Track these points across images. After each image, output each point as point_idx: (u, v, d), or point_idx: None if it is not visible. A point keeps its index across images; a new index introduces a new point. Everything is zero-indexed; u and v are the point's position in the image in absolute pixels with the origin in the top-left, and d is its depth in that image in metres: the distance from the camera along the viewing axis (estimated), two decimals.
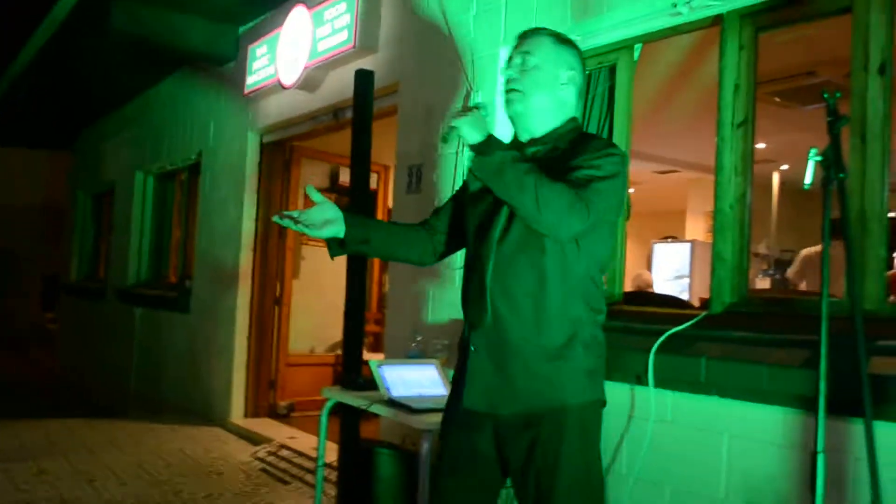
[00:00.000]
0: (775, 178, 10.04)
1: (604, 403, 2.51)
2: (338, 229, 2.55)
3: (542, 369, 2.38)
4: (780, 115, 7.24)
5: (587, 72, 4.17)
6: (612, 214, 2.46)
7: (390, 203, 7.05)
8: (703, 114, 4.19)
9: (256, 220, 7.60)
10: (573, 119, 2.59)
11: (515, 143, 2.60)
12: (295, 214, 2.48)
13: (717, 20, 3.60)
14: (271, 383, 7.67)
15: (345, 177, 8.58)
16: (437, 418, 2.68)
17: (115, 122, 11.59)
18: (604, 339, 2.51)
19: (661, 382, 3.38)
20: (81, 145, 13.22)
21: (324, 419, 4.14)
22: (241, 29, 7.84)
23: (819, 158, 2.36)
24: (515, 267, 2.42)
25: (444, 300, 4.73)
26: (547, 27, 2.65)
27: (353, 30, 5.77)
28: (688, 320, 3.41)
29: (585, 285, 2.43)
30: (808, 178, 2.41)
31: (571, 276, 2.40)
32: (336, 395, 4.04)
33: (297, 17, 6.54)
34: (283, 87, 6.69)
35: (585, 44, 4.13)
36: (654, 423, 3.42)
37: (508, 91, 2.52)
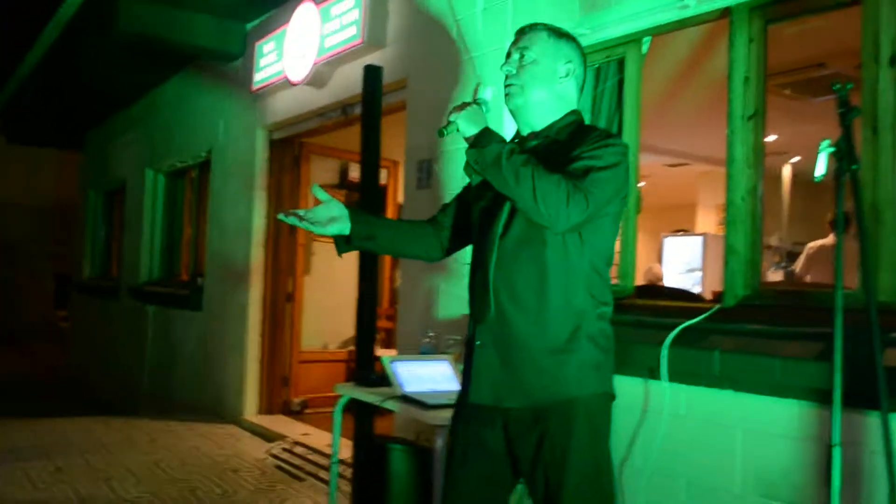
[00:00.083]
0: (786, 170, 10.00)
1: (612, 397, 2.50)
2: (343, 226, 2.58)
3: (547, 363, 2.39)
4: (790, 107, 7.21)
5: (596, 65, 4.22)
6: (615, 205, 2.45)
7: (400, 198, 7.05)
8: (713, 106, 4.17)
9: (267, 216, 7.60)
10: (574, 112, 2.61)
11: (517, 137, 2.62)
12: (301, 213, 2.50)
13: (726, 13, 3.58)
14: (284, 380, 7.68)
15: (354, 173, 8.59)
16: (450, 414, 2.68)
17: (124, 121, 11.60)
18: (611, 332, 2.50)
19: (675, 376, 3.37)
20: (91, 144, 13.24)
21: (337, 416, 4.15)
22: (249, 26, 7.85)
23: (831, 150, 2.35)
24: (518, 261, 2.43)
25: (456, 295, 4.73)
26: (544, 22, 2.65)
27: (361, 25, 5.77)
28: (701, 314, 3.41)
29: (589, 278, 2.43)
30: (819, 170, 2.40)
31: (574, 269, 2.40)
32: (349, 391, 4.05)
33: (305, 12, 6.54)
34: (292, 84, 6.69)
35: (594, 37, 4.13)
36: (667, 417, 3.41)
37: (507, 86, 2.54)
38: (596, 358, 2.42)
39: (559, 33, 2.60)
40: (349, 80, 6.08)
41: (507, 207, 2.47)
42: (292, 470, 5.86)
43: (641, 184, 4.15)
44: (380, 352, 5.66)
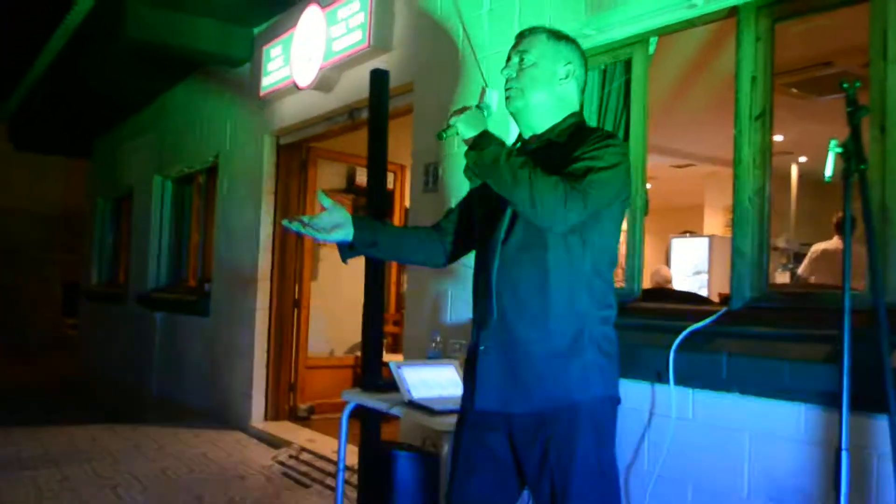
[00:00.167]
0: (794, 170, 9.96)
1: (617, 401, 2.49)
2: (346, 233, 2.61)
3: (550, 366, 2.38)
4: (796, 106, 7.18)
5: (602, 66, 4.20)
6: (617, 207, 2.46)
7: (407, 202, 7.04)
8: (720, 106, 4.15)
9: (274, 222, 7.59)
10: (575, 113, 2.61)
11: (519, 140, 2.64)
12: (304, 220, 2.53)
13: (733, 12, 3.56)
14: (291, 386, 7.67)
15: (361, 177, 8.59)
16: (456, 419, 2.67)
17: (131, 127, 11.63)
18: (615, 335, 2.49)
19: (682, 380, 3.35)
20: (99, 150, 13.27)
21: (344, 422, 4.13)
22: (255, 30, 7.85)
23: (839, 150, 2.33)
24: (520, 265, 2.43)
25: (463, 299, 4.71)
26: (543, 25, 2.67)
27: (367, 29, 5.76)
28: (707, 316, 3.38)
29: (592, 281, 2.42)
30: (828, 170, 2.37)
31: (577, 272, 2.40)
32: (356, 397, 4.03)
33: (311, 16, 6.53)
34: (299, 89, 6.69)
35: (600, 38, 4.11)
36: (675, 421, 3.39)
37: (508, 89, 2.56)
38: (600, 362, 2.41)
39: (558, 35, 2.61)
40: (356, 84, 6.08)
41: (509, 212, 2.47)
42: (298, 477, 5.84)
43: (648, 185, 4.11)
44: (386, 357, 5.64)
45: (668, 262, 9.88)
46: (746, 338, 3.23)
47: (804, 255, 8.08)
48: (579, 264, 2.39)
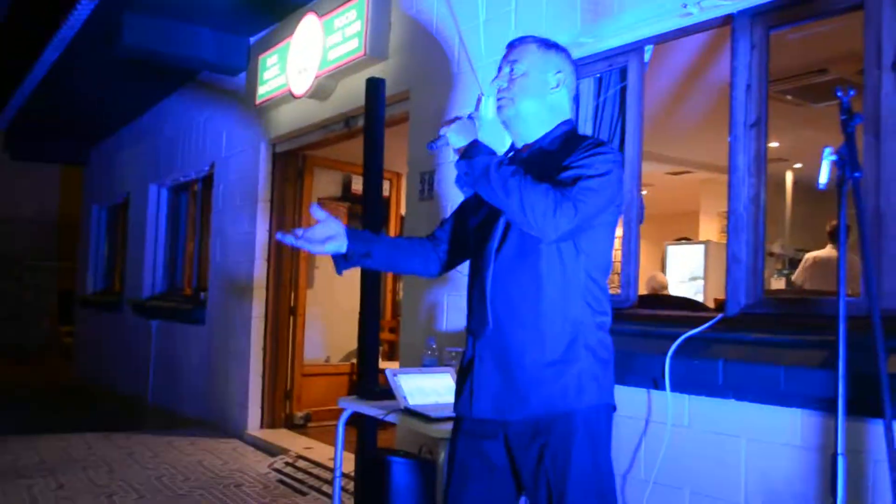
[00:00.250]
0: (789, 176, 9.99)
1: (613, 408, 2.50)
2: (340, 245, 2.61)
3: (545, 374, 2.38)
4: (791, 113, 7.20)
5: (598, 74, 4.21)
6: (609, 214, 2.46)
7: (403, 210, 7.05)
8: (715, 114, 4.16)
9: (270, 230, 7.59)
10: (567, 122, 2.62)
11: (512, 150, 2.64)
12: (298, 232, 2.54)
13: (728, 20, 3.57)
14: (287, 394, 7.66)
15: (357, 185, 8.60)
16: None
17: (128, 136, 11.63)
18: (610, 342, 2.50)
19: (678, 386, 3.36)
20: (95, 159, 13.27)
21: (340, 429, 4.12)
22: (252, 39, 7.86)
23: (833, 158, 2.33)
24: (514, 274, 2.44)
25: (458, 307, 4.72)
26: (532, 34, 2.67)
27: (364, 38, 5.77)
28: (703, 323, 3.39)
29: (586, 288, 2.43)
30: (822, 179, 2.38)
31: (570, 280, 2.40)
32: (352, 404, 4.03)
33: (308, 26, 6.55)
34: (295, 97, 6.70)
35: (596, 47, 4.13)
36: (671, 428, 3.39)
37: (499, 99, 2.57)
38: (595, 369, 2.41)
39: (548, 44, 2.62)
40: (352, 92, 6.09)
41: (503, 220, 2.47)
42: (295, 484, 5.84)
43: (644, 192, 4.13)
44: (382, 364, 5.64)
45: (663, 269, 9.90)
46: (742, 344, 3.24)
47: (799, 261, 8.11)
48: (573, 271, 2.40)
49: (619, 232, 2.91)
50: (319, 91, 6.45)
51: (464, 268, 2.84)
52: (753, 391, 3.12)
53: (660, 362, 3.37)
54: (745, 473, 3.15)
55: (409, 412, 3.58)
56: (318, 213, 2.59)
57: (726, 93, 3.57)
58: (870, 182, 2.98)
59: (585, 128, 4.25)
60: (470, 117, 2.51)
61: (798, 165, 9.67)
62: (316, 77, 6.34)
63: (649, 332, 3.59)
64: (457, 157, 2.43)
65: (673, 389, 3.36)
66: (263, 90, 7.34)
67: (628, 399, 3.50)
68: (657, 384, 3.43)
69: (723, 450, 3.22)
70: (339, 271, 2.70)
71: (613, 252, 2.62)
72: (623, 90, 4.10)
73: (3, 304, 15.92)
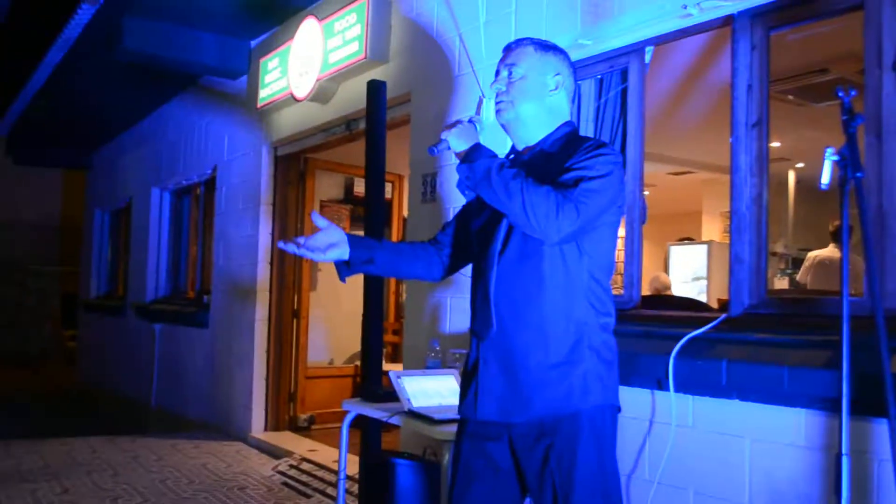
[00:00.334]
0: (791, 176, 9.99)
1: (618, 409, 2.50)
2: (342, 251, 2.62)
3: (550, 376, 2.38)
4: (793, 112, 7.20)
5: (599, 76, 4.21)
6: (611, 215, 2.46)
7: (405, 212, 7.05)
8: (717, 114, 4.16)
9: (272, 233, 7.59)
10: (567, 123, 2.62)
11: (513, 153, 2.65)
12: (300, 240, 2.55)
13: (728, 21, 3.57)
14: (291, 396, 7.66)
15: (359, 187, 8.62)
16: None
17: (130, 140, 11.64)
18: (614, 343, 2.50)
19: (682, 387, 3.36)
20: (98, 163, 13.28)
21: (344, 431, 4.13)
22: (253, 43, 7.87)
23: (835, 158, 2.33)
24: (517, 276, 2.44)
25: (462, 309, 4.72)
26: (530, 36, 2.67)
27: (364, 40, 5.77)
28: (707, 323, 3.39)
29: (590, 289, 2.43)
30: (825, 179, 2.38)
31: (574, 281, 2.41)
32: (356, 407, 4.03)
33: (308, 29, 6.55)
34: (296, 100, 6.70)
35: (597, 48, 4.13)
36: (675, 428, 3.39)
37: (498, 103, 2.57)
38: (599, 370, 2.41)
39: (546, 46, 2.61)
40: (353, 95, 6.09)
41: (505, 223, 2.47)
42: (299, 487, 5.84)
43: (646, 193, 4.13)
44: (386, 366, 5.65)
45: (666, 269, 9.90)
46: (746, 344, 3.24)
47: (802, 260, 8.10)
48: (577, 273, 2.40)
49: (621, 232, 2.91)
50: (321, 94, 6.46)
51: (466, 269, 2.85)
52: (757, 391, 3.12)
53: (663, 363, 3.37)
54: (749, 474, 3.15)
55: (413, 414, 3.59)
56: (319, 220, 2.60)
57: (727, 93, 3.57)
58: (872, 182, 2.98)
59: (587, 129, 4.25)
60: (471, 121, 2.51)
61: (800, 165, 9.67)
62: (317, 80, 6.34)
63: (653, 333, 3.59)
64: (458, 161, 2.44)
65: (677, 390, 3.36)
66: (265, 93, 7.34)
67: (632, 400, 3.50)
68: (661, 385, 3.43)
69: (727, 450, 3.22)
70: (342, 278, 2.71)
71: (616, 253, 2.63)
72: (624, 91, 4.10)
73: (5, 308, 15.93)
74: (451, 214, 4.87)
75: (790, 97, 6.82)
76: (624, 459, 3.49)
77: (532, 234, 2.31)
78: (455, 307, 4.84)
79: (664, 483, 3.44)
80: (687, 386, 3.35)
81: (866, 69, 3.09)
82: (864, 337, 2.42)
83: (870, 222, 2.41)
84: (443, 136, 2.46)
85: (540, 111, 2.56)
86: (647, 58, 4.03)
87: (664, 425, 3.45)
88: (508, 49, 2.63)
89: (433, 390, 3.79)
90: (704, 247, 9.88)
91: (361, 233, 4.51)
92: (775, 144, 8.13)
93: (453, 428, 3.11)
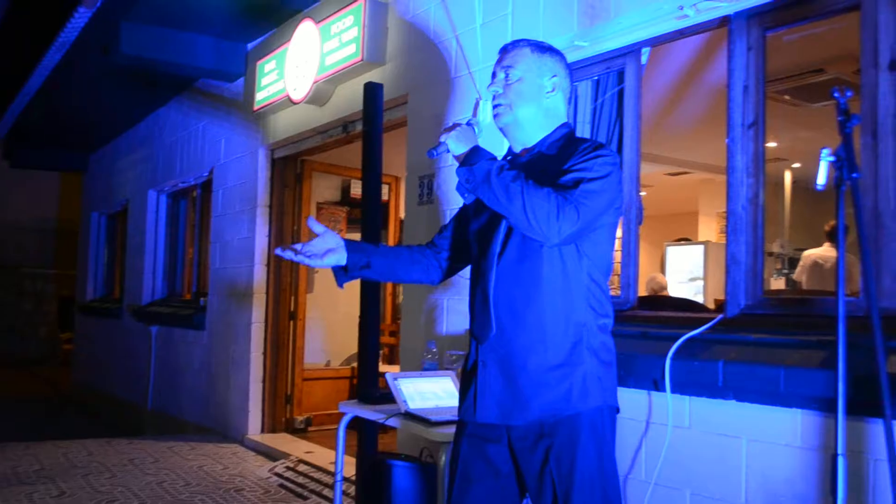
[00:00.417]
0: (787, 176, 10.00)
1: (617, 410, 2.50)
2: (339, 257, 2.63)
3: (549, 378, 2.38)
4: (789, 112, 7.21)
5: (595, 77, 4.22)
6: (610, 216, 2.46)
7: (402, 214, 7.05)
8: (713, 115, 4.17)
9: (269, 235, 7.59)
10: (565, 125, 2.62)
11: (510, 155, 2.64)
12: (297, 247, 2.55)
13: (725, 21, 3.58)
14: (288, 398, 7.65)
15: (356, 189, 8.60)
16: (454, 430, 2.68)
17: (127, 142, 11.64)
18: (613, 344, 2.50)
19: (678, 387, 3.36)
20: (94, 166, 13.28)
21: (341, 433, 4.13)
22: (250, 46, 7.87)
23: (831, 159, 2.34)
24: (517, 278, 2.44)
25: (459, 311, 4.72)
26: (526, 38, 2.66)
27: (361, 43, 5.78)
28: (703, 324, 3.39)
29: (588, 290, 2.43)
30: (821, 180, 2.38)
31: (573, 283, 2.41)
32: (353, 408, 4.03)
33: (305, 31, 6.55)
34: (293, 102, 6.70)
35: (593, 49, 4.14)
36: (672, 429, 3.39)
37: (496, 106, 2.57)
38: (598, 371, 2.41)
39: (542, 48, 2.61)
40: (350, 97, 6.09)
41: (504, 225, 2.47)
42: (296, 488, 5.83)
43: (643, 193, 4.13)
44: (383, 368, 5.65)
45: (663, 270, 9.90)
46: (742, 344, 3.24)
47: (798, 260, 8.12)
48: (575, 274, 2.40)
49: (618, 233, 2.91)
50: (317, 96, 6.46)
51: (464, 271, 2.85)
52: (754, 392, 3.11)
53: (660, 364, 3.37)
54: (745, 474, 3.15)
55: (410, 416, 3.59)
56: (316, 226, 2.60)
57: (724, 94, 3.57)
58: (868, 182, 2.98)
59: (583, 130, 4.26)
60: (469, 123, 2.50)
61: (796, 165, 9.68)
62: (314, 82, 6.34)
63: (649, 334, 3.59)
64: (457, 164, 2.44)
65: (673, 391, 3.36)
66: (261, 96, 7.34)
67: (629, 401, 3.50)
68: (657, 385, 3.43)
69: (723, 451, 3.22)
70: (339, 284, 2.71)
71: (614, 253, 2.63)
72: (621, 92, 4.10)
73: (2, 312, 15.93)
74: (447, 216, 4.86)
75: (786, 98, 6.83)
76: (620, 460, 3.48)
77: (532, 235, 2.31)
78: (452, 309, 4.84)
79: (661, 484, 3.44)
80: (683, 387, 3.35)
81: (862, 69, 3.09)
82: (860, 337, 2.42)
83: (865, 222, 2.41)
84: (442, 139, 2.45)
85: (537, 113, 2.56)
86: (644, 59, 4.03)
87: (661, 426, 3.45)
88: (505, 51, 2.63)
89: (430, 392, 3.79)
90: (701, 247, 9.89)
91: (358, 235, 4.51)
92: (771, 145, 8.14)
93: (450, 429, 3.11)
